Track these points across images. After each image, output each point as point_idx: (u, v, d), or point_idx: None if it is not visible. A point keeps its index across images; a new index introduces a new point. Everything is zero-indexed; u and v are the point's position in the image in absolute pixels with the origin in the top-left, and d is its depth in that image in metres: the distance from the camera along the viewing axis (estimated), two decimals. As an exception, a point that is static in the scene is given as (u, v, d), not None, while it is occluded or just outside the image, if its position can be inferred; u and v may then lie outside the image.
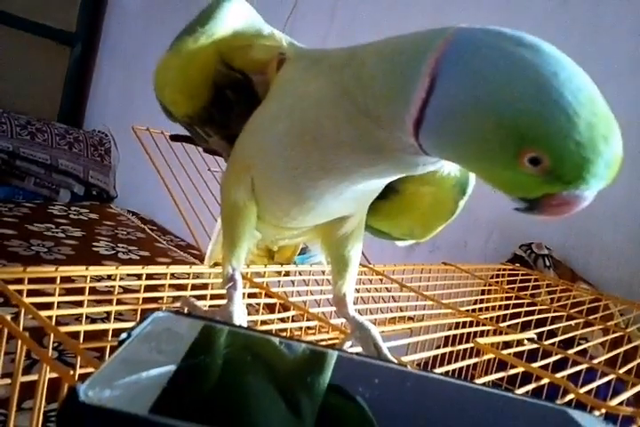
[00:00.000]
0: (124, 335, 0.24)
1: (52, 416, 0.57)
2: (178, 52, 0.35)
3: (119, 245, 1.48)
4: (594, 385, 0.44)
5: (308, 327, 0.51)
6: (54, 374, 0.31)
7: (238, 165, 0.36)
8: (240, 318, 0.35)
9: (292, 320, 0.48)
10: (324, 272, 0.61)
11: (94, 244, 1.45)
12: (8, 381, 0.32)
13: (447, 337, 0.60)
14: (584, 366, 0.46)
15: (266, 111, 0.34)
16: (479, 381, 0.36)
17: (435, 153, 0.28)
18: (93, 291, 0.39)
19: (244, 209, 0.36)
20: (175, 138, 0.58)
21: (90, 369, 0.32)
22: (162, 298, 0.43)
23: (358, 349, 0.38)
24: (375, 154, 0.29)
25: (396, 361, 0.32)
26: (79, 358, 0.28)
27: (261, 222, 0.39)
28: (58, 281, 0.37)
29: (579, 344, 0.60)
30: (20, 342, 0.28)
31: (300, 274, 0.58)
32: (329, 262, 0.42)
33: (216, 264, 0.52)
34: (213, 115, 0.39)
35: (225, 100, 0.38)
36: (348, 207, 0.37)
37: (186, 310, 0.42)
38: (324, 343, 0.45)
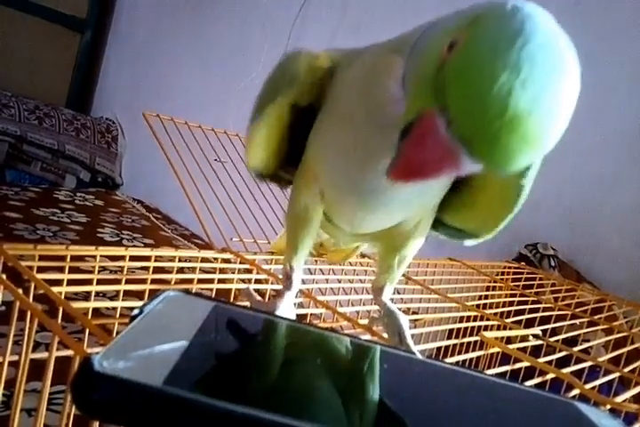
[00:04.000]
0: (136, 311, 0.24)
1: (57, 398, 0.57)
2: (264, 122, 0.35)
3: (123, 232, 1.49)
4: (596, 383, 0.44)
5: (314, 315, 0.51)
6: (62, 353, 0.31)
7: (307, 173, 0.37)
8: (284, 314, 0.36)
9: (298, 308, 0.48)
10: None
11: (99, 230, 1.46)
12: (16, 358, 0.32)
13: (451, 331, 0.59)
14: (587, 365, 0.46)
15: (323, 117, 0.35)
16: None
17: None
18: (102, 271, 0.39)
19: (312, 214, 0.38)
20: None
21: (97, 349, 0.32)
22: (170, 280, 0.43)
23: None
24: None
25: (416, 351, 0.33)
26: (88, 333, 0.28)
27: (332, 227, 0.40)
28: (68, 259, 0.38)
29: (581, 345, 0.59)
30: (29, 314, 0.28)
31: (305, 263, 0.58)
32: (378, 254, 0.42)
33: (272, 253, 0.58)
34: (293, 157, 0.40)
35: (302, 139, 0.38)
36: (411, 209, 0.37)
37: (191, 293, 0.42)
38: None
